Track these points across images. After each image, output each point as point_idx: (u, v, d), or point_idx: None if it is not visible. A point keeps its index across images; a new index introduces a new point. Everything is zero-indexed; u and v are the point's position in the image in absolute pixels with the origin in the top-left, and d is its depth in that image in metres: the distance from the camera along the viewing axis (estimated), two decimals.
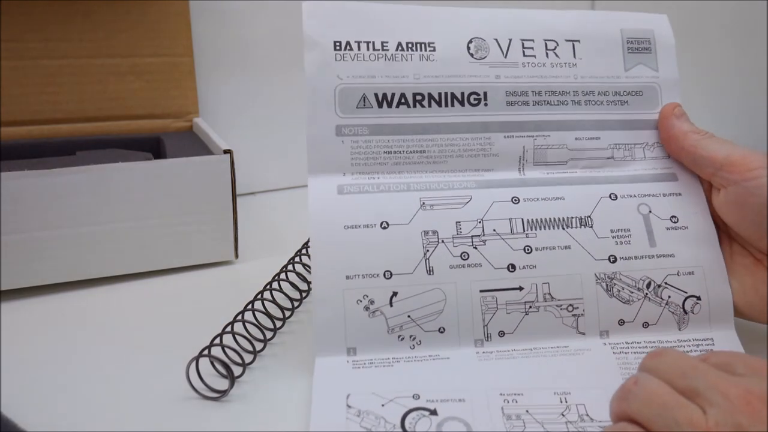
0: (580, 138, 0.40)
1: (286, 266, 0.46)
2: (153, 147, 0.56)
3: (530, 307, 0.37)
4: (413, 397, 0.33)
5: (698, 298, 0.38)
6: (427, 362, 0.35)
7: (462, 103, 0.39)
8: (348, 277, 0.36)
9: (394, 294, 0.36)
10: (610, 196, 0.39)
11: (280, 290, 0.43)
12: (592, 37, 0.41)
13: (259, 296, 0.42)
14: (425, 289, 0.36)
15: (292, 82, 0.65)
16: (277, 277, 0.45)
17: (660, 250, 0.38)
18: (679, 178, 0.40)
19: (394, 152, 0.38)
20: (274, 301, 0.42)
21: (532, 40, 0.40)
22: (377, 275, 0.36)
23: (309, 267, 0.47)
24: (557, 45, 0.40)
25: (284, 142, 0.67)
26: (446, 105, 0.39)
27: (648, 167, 0.41)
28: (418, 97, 0.39)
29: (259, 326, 0.40)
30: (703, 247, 0.39)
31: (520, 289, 0.37)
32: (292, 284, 0.45)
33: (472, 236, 0.37)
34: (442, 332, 0.36)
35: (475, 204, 0.38)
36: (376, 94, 0.38)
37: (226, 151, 0.49)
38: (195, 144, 0.55)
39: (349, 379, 0.34)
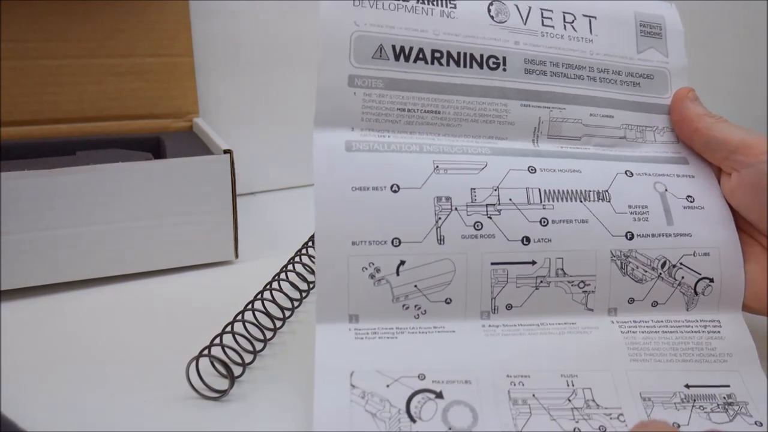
0: (594, 114, 0.40)
1: (286, 266, 0.46)
2: (153, 147, 0.56)
3: (541, 282, 0.36)
4: (419, 377, 0.32)
5: (711, 280, 0.37)
6: (431, 335, 0.34)
7: (480, 66, 0.38)
8: (354, 243, 0.34)
9: (402, 263, 0.34)
10: (626, 173, 0.38)
11: (280, 290, 0.43)
12: (607, 15, 0.41)
13: (259, 296, 0.42)
14: (434, 259, 0.35)
15: (293, 82, 0.65)
16: (277, 277, 0.45)
17: (677, 228, 0.38)
18: (690, 162, 0.40)
19: (408, 110, 0.37)
20: (274, 301, 0.42)
21: (551, 11, 0.39)
22: (385, 242, 0.34)
23: (309, 267, 0.47)
24: (575, 19, 0.40)
25: (284, 142, 0.67)
26: (465, 66, 0.37)
27: (659, 150, 0.41)
28: (437, 54, 0.37)
29: (259, 326, 0.40)
30: (720, 227, 0.38)
31: (533, 263, 0.36)
32: (292, 284, 0.45)
33: (487, 205, 0.36)
34: (448, 303, 0.35)
35: (490, 171, 0.36)
36: (393, 46, 0.36)
37: (226, 151, 0.49)
38: (195, 144, 0.55)
39: (352, 353, 0.33)
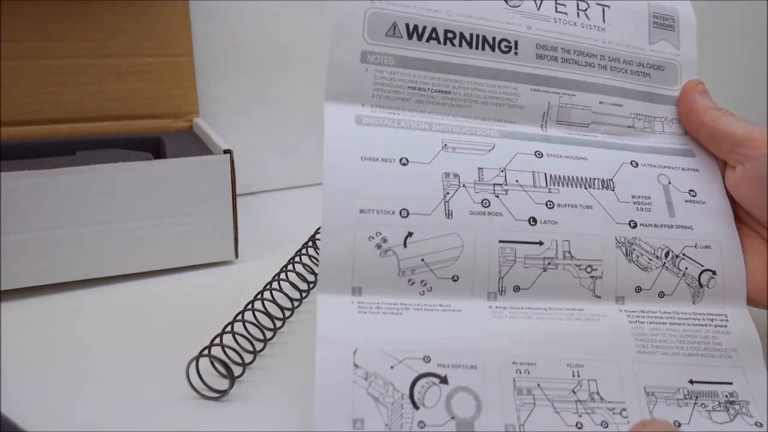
0: (604, 102, 0.40)
1: (286, 266, 0.46)
2: (153, 147, 0.56)
3: (549, 263, 0.35)
4: (424, 359, 0.32)
5: (714, 272, 0.37)
6: (437, 313, 0.34)
7: (492, 48, 0.38)
8: (362, 211, 0.34)
9: (410, 234, 0.34)
10: (631, 163, 0.39)
11: (280, 290, 0.43)
12: (621, 5, 0.41)
13: (259, 296, 0.42)
14: (442, 233, 0.34)
15: (293, 82, 0.65)
16: (277, 277, 0.45)
17: (678, 221, 0.38)
18: (696, 155, 0.40)
19: (419, 89, 0.37)
20: (274, 301, 0.42)
21: None
22: (393, 212, 0.34)
23: (309, 267, 0.47)
24: (588, 7, 0.40)
25: (284, 142, 0.67)
26: (477, 47, 0.38)
27: (666, 141, 0.41)
28: (450, 35, 0.37)
29: (259, 326, 0.40)
30: (720, 223, 0.38)
31: (541, 243, 0.35)
32: (292, 284, 0.45)
33: (494, 184, 0.36)
34: (455, 280, 0.34)
35: (498, 152, 0.37)
36: (407, 24, 0.37)
37: (226, 151, 0.49)
38: (195, 144, 0.55)
39: (355, 327, 0.32)
